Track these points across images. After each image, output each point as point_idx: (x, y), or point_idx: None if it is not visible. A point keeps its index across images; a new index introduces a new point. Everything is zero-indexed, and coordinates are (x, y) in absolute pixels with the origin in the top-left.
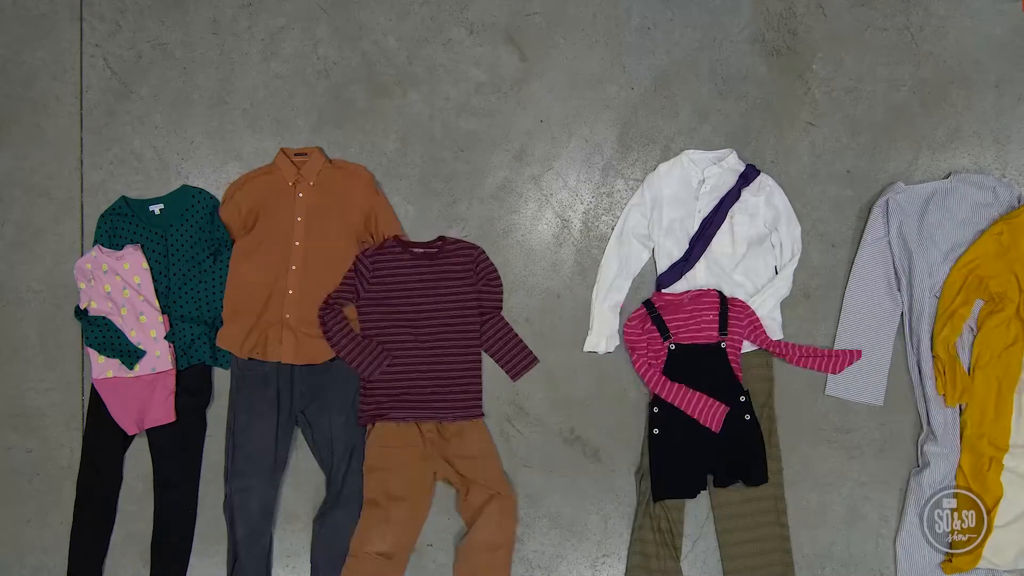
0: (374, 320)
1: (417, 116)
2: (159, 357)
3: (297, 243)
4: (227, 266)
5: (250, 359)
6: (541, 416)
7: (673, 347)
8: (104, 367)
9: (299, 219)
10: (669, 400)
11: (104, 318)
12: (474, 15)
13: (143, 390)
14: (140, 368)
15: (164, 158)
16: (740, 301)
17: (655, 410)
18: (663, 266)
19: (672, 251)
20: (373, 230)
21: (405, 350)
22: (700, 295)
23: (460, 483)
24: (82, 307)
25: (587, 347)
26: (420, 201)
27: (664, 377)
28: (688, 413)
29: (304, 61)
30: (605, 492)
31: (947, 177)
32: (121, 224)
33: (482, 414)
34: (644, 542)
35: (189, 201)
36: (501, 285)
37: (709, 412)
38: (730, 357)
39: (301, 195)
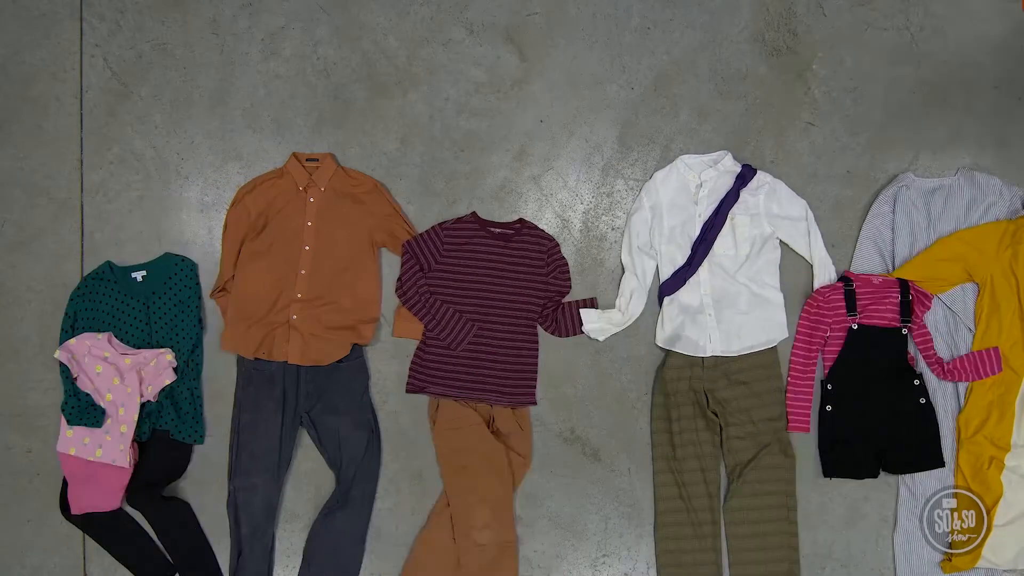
0: (442, 293)
1: (417, 116)
2: (121, 451)
3: (307, 247)
4: (201, 360)
5: (256, 359)
6: (541, 416)
7: (855, 327)
8: (68, 443)
9: (309, 224)
10: (789, 383)
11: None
12: (474, 15)
13: (97, 473)
14: (103, 452)
15: (164, 158)
16: (926, 294)
17: (828, 387)
18: (666, 273)
19: (675, 257)
20: (386, 239)
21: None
22: (889, 281)
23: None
24: (73, 374)
25: (585, 321)
26: (420, 201)
27: (800, 363)
28: (788, 402)
29: (304, 61)
30: (605, 492)
31: (956, 174)
32: (101, 288)
33: (534, 402)
34: (679, 525)
35: (172, 269)
36: (570, 279)
37: (800, 414)
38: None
39: (312, 200)
